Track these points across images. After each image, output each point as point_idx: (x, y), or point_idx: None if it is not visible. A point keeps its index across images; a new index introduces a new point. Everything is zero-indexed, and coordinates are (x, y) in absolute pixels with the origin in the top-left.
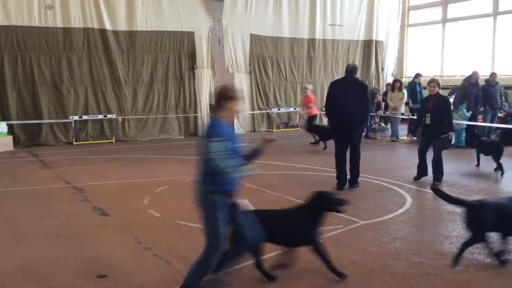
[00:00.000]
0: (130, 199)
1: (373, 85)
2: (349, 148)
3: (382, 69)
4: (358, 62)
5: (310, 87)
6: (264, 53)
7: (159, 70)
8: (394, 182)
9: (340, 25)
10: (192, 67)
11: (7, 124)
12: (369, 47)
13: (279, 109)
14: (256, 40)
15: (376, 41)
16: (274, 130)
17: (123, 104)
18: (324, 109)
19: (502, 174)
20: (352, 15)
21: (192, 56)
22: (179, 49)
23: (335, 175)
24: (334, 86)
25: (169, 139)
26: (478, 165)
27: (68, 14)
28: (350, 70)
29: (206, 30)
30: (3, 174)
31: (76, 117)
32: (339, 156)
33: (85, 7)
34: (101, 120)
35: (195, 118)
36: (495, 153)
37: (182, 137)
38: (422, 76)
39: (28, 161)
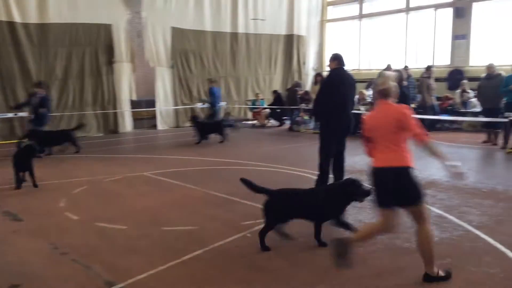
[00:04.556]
0: (45, 202)
1: (296, 79)
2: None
3: (304, 63)
4: (280, 57)
5: None
6: (187, 47)
7: (74, 65)
8: None
9: (262, 19)
10: (110, 61)
11: None
12: (291, 41)
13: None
14: (178, 34)
15: (297, 35)
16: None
17: None
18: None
19: None
20: (274, 9)
21: (110, 50)
22: (96, 43)
23: (318, 177)
24: (339, 79)
25: (86, 136)
26: None
27: None
28: (343, 60)
29: (124, 22)
30: None
31: None
32: (329, 164)
33: None
34: (11, 118)
35: (115, 114)
36: None
37: (101, 134)
38: None
39: None
